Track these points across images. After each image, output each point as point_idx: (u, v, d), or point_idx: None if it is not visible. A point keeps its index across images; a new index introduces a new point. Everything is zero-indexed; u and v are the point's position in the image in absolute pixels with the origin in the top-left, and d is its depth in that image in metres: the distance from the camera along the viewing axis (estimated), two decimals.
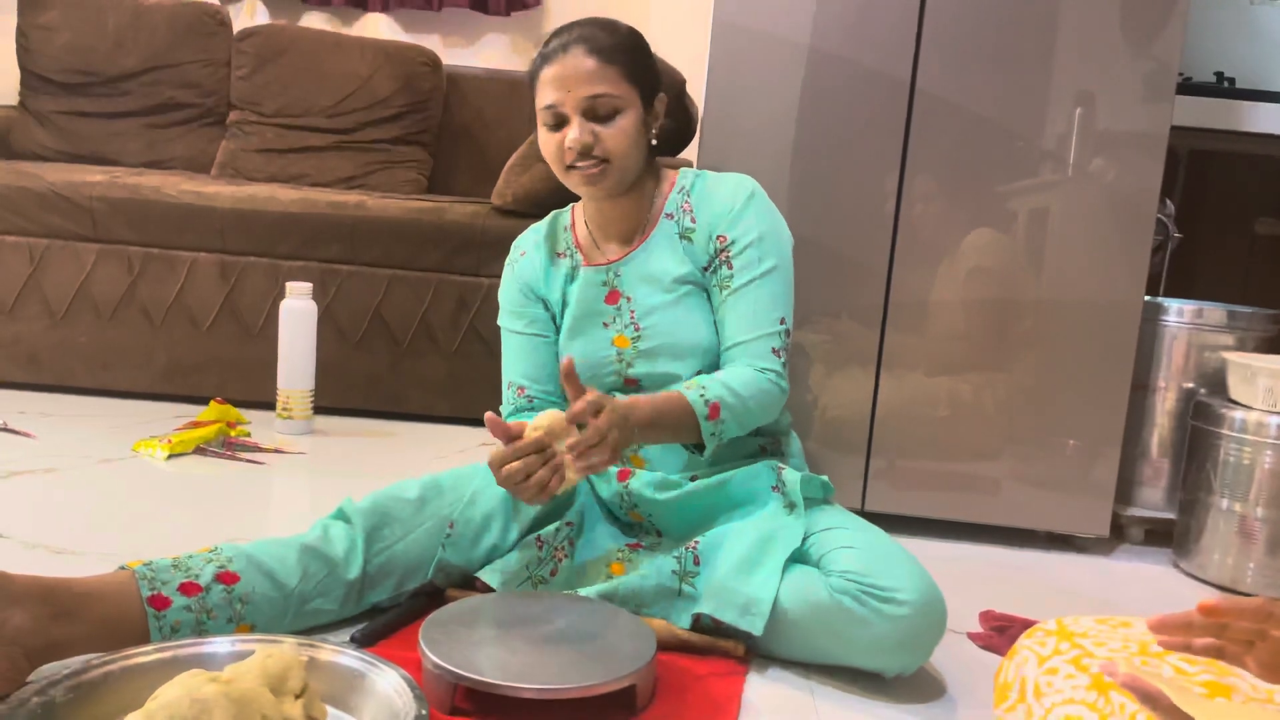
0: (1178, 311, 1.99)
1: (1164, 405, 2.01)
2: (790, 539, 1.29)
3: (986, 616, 1.52)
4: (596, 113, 1.36)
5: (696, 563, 1.33)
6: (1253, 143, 2.37)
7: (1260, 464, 1.76)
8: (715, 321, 1.43)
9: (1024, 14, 1.84)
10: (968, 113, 1.86)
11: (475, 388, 2.46)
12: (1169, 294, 2.16)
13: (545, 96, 1.37)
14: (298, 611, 1.23)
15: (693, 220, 1.44)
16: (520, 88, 3.00)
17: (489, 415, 1.17)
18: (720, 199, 1.43)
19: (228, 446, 2.11)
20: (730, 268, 1.41)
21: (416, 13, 3.25)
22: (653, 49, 1.45)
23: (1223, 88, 2.61)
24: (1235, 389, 1.85)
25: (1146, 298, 1.92)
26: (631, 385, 1.45)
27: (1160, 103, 1.83)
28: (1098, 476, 1.91)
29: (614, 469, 1.45)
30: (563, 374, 1.19)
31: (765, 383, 1.36)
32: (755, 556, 1.28)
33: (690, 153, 2.64)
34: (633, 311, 1.44)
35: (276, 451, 2.12)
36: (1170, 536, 1.96)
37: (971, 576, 1.75)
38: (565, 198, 1.52)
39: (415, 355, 2.48)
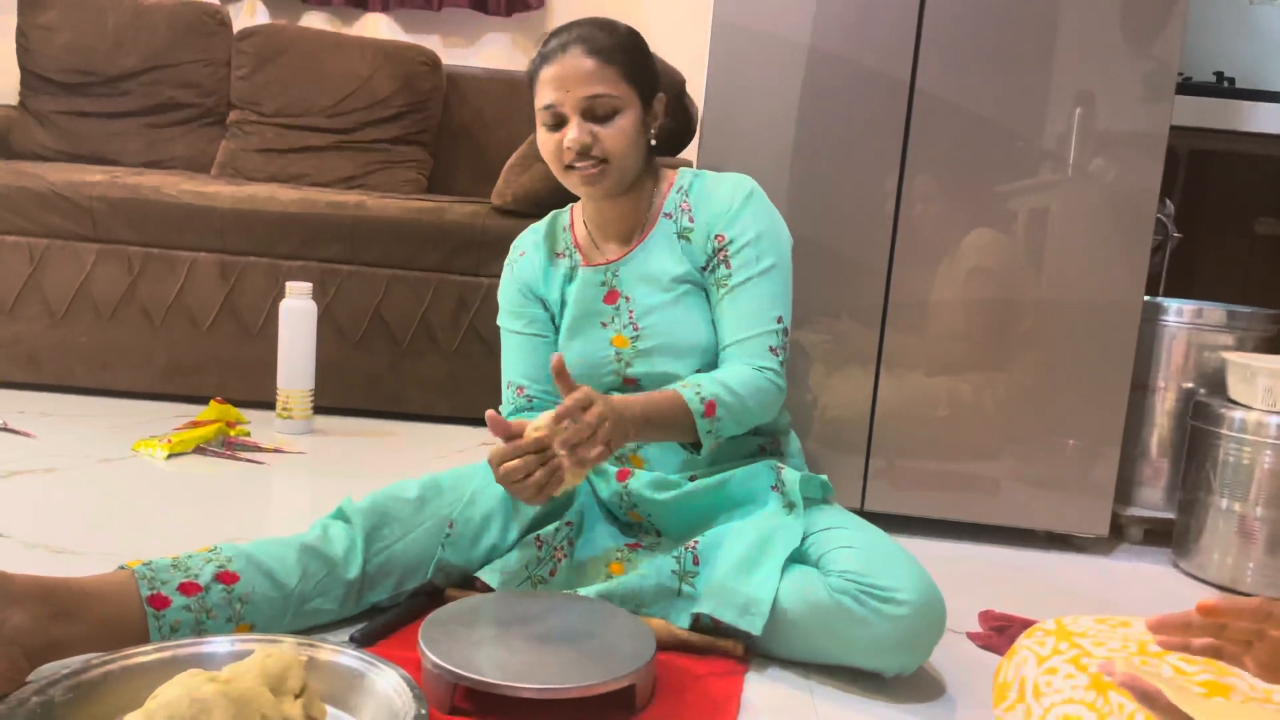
0: (1177, 311, 1.99)
1: (1164, 405, 2.01)
2: (789, 539, 1.29)
3: (986, 616, 1.52)
4: (595, 113, 1.36)
5: (696, 562, 1.33)
6: (1252, 143, 2.37)
7: (1260, 464, 1.76)
8: (714, 321, 1.43)
9: (1024, 14, 1.84)
10: (967, 113, 1.86)
11: (475, 387, 2.46)
12: (1169, 294, 2.16)
13: (544, 96, 1.37)
14: (297, 611, 1.23)
15: (691, 220, 1.44)
16: (520, 88, 3.00)
17: (490, 413, 1.17)
18: (718, 199, 1.43)
19: (227, 446, 2.11)
20: (728, 267, 1.41)
21: (416, 13, 3.25)
22: (652, 49, 1.45)
23: (1222, 87, 2.61)
24: (1235, 389, 1.85)
25: (1146, 297, 1.92)
26: (630, 385, 1.45)
27: (1160, 102, 1.83)
28: (1097, 476, 1.91)
29: (613, 469, 1.45)
30: (553, 371, 1.19)
31: (763, 381, 1.36)
32: (754, 556, 1.28)
33: (690, 153, 2.64)
34: (631, 311, 1.44)
35: (276, 451, 2.12)
36: (1170, 536, 1.96)
37: (971, 576, 1.75)
38: (565, 198, 1.52)
39: (415, 355, 2.48)
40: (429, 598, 1.35)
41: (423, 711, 0.97)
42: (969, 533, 1.98)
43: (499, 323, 1.54)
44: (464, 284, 2.47)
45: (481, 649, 1.12)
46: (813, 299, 1.90)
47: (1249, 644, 0.75)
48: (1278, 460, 1.75)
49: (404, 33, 3.26)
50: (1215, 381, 1.95)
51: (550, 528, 1.38)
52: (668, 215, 1.46)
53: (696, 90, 2.19)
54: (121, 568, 1.16)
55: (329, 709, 1.04)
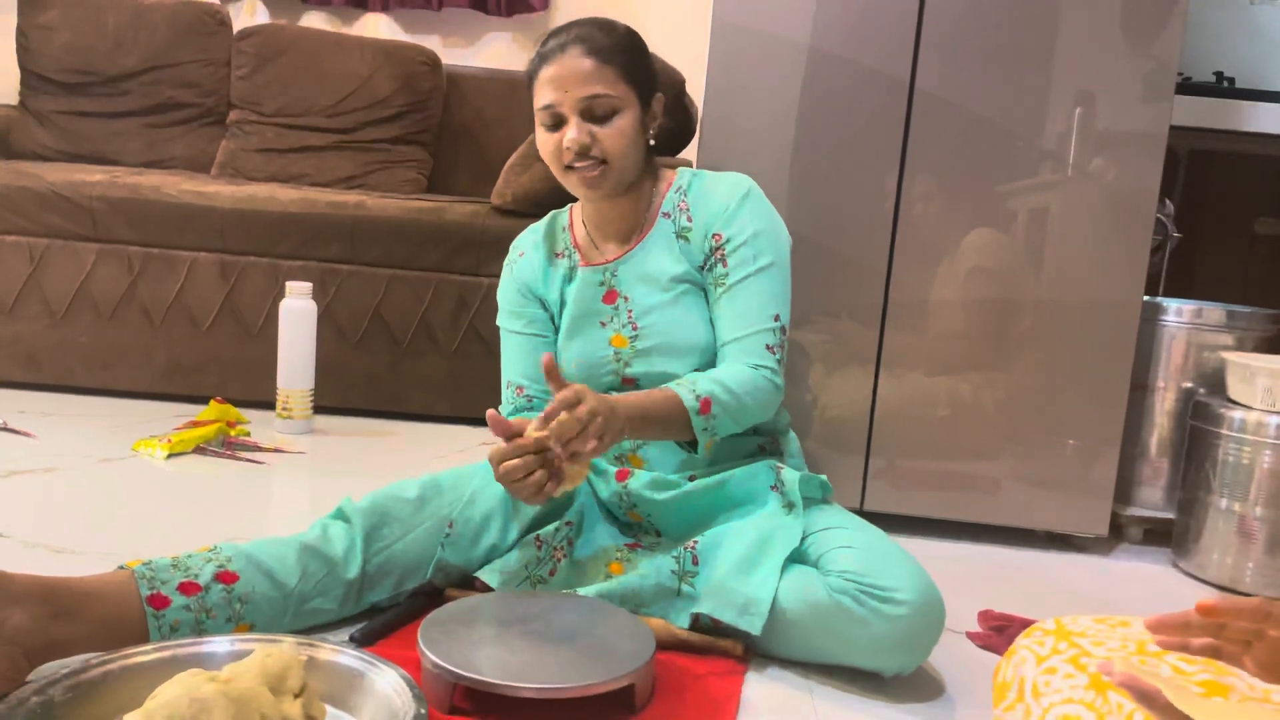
0: (1177, 311, 1.99)
1: (1163, 405, 2.01)
2: (789, 539, 1.29)
3: (985, 616, 1.52)
4: (594, 113, 1.36)
5: (695, 562, 1.33)
6: (1252, 143, 2.38)
7: (1259, 464, 1.76)
8: (711, 320, 1.43)
9: (1024, 14, 1.84)
10: (967, 112, 1.86)
11: (475, 387, 2.46)
12: (1168, 294, 2.16)
13: (543, 97, 1.37)
14: (297, 611, 1.23)
15: (689, 219, 1.44)
16: (520, 87, 3.00)
17: (490, 413, 1.17)
18: (716, 198, 1.43)
19: (227, 446, 2.11)
20: (725, 265, 1.40)
21: (416, 12, 3.25)
22: (652, 49, 1.45)
23: (1222, 87, 2.61)
24: (1234, 389, 1.85)
25: (1146, 297, 1.92)
26: (629, 385, 1.45)
27: (1160, 102, 1.83)
28: (1097, 476, 1.91)
29: (613, 469, 1.45)
30: (544, 371, 1.19)
31: (760, 379, 1.36)
32: (754, 556, 1.28)
33: (690, 153, 2.64)
34: (630, 311, 1.44)
35: (276, 451, 2.12)
36: (1169, 536, 1.97)
37: (970, 576, 1.75)
38: (564, 198, 1.53)
39: (415, 355, 2.48)
40: (429, 597, 1.35)
41: (422, 711, 0.97)
42: (969, 532, 1.98)
43: (499, 323, 1.54)
44: (464, 284, 2.47)
45: (481, 649, 1.12)
46: (812, 299, 1.90)
47: (1248, 644, 0.75)
48: (1277, 460, 1.75)
49: (404, 33, 3.26)
50: (1215, 381, 1.95)
51: (550, 528, 1.38)
52: (666, 215, 1.46)
53: (696, 90, 2.19)
54: (121, 567, 1.16)
55: (329, 708, 1.04)
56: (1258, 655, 0.75)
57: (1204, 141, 2.40)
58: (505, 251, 1.58)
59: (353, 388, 2.47)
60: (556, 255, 1.52)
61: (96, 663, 1.02)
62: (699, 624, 1.30)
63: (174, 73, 2.98)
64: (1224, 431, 1.81)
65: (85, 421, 2.24)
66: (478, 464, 1.40)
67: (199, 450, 2.07)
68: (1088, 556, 1.94)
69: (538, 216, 1.60)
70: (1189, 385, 1.99)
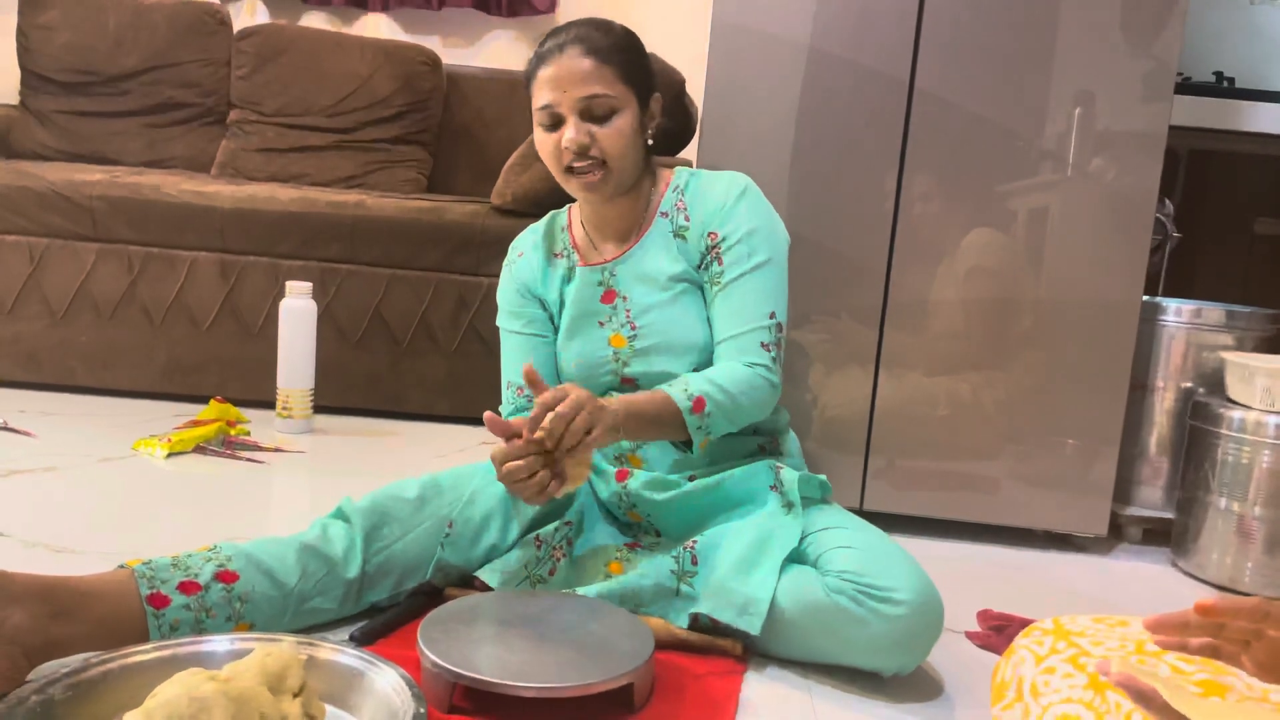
0: (1176, 311, 1.99)
1: (1162, 405, 2.01)
2: (788, 539, 1.30)
3: (984, 616, 1.52)
4: (593, 113, 1.36)
5: (694, 562, 1.33)
6: (1252, 143, 2.38)
7: (1258, 463, 1.76)
8: (709, 319, 1.43)
9: (1023, 14, 1.84)
10: (967, 112, 1.86)
11: (475, 387, 2.46)
12: (1168, 294, 2.16)
13: (541, 97, 1.37)
14: (296, 610, 1.24)
15: (686, 219, 1.44)
16: (520, 87, 3.00)
17: (488, 415, 1.17)
18: (713, 197, 1.43)
19: (227, 445, 2.11)
20: (721, 263, 1.40)
21: (416, 12, 3.25)
22: (652, 49, 1.45)
23: (1222, 87, 2.62)
24: (1233, 389, 1.85)
25: (1145, 297, 1.92)
26: (628, 384, 1.45)
27: (1159, 102, 1.83)
28: (1096, 476, 1.91)
29: (612, 470, 1.45)
30: (525, 380, 1.19)
31: (755, 378, 1.35)
32: (753, 556, 1.29)
33: (690, 152, 2.64)
34: (629, 310, 1.44)
35: (276, 450, 2.12)
36: (1169, 536, 1.97)
37: (970, 576, 1.75)
38: (564, 198, 1.53)
39: (415, 355, 2.48)
40: (428, 597, 1.35)
41: (421, 710, 0.97)
42: (968, 532, 1.98)
43: (498, 323, 1.54)
44: (464, 284, 2.47)
45: (480, 648, 1.12)
46: (812, 298, 1.90)
47: (1247, 644, 0.75)
48: (1276, 460, 1.75)
49: (404, 32, 3.26)
50: (1214, 381, 1.95)
51: (549, 527, 1.38)
52: (664, 214, 1.46)
53: (696, 90, 2.19)
54: (121, 567, 1.16)
55: (328, 708, 1.04)
56: (1256, 655, 0.75)
57: (1204, 141, 2.41)
58: (505, 251, 1.58)
59: (353, 387, 2.47)
60: (555, 255, 1.52)
61: (96, 662, 1.02)
62: (698, 624, 1.30)
63: (174, 72, 2.98)
64: (1223, 431, 1.81)
65: (85, 421, 2.24)
66: (478, 464, 1.41)
67: (199, 450, 2.07)
68: (1087, 556, 1.94)
69: (537, 216, 1.60)
70: (1188, 385, 1.99)
